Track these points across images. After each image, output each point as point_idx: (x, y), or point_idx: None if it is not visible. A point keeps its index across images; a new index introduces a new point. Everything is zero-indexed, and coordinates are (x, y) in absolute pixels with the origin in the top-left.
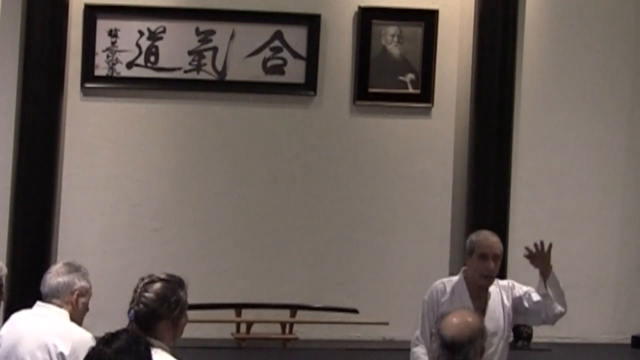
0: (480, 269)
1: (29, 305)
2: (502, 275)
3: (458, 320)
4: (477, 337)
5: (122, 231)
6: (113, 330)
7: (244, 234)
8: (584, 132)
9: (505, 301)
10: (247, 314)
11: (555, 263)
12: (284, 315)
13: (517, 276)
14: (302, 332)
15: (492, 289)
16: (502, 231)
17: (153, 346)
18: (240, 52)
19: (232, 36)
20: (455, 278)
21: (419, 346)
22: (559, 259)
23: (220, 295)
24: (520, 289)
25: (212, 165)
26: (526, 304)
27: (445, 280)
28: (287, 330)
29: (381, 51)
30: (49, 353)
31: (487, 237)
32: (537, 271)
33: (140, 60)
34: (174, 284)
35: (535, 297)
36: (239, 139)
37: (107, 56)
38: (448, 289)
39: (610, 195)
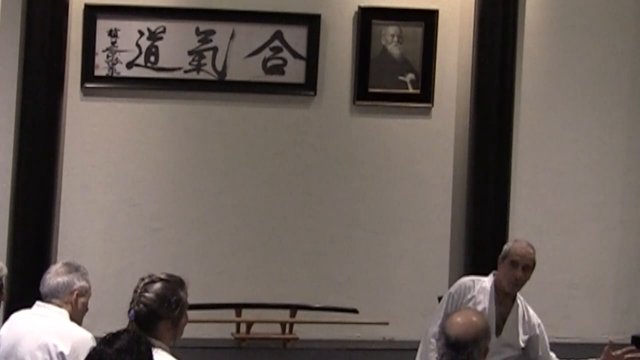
0: (509, 276)
1: (29, 305)
2: None
3: (463, 320)
4: (482, 337)
5: (122, 231)
6: (113, 330)
7: (244, 234)
8: (584, 132)
9: (526, 323)
10: (247, 314)
11: (556, 263)
12: (284, 315)
13: None
14: (302, 332)
15: (521, 307)
16: (502, 231)
17: (154, 346)
18: (240, 52)
19: (232, 36)
20: (485, 279)
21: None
22: (559, 259)
23: (220, 295)
24: (543, 333)
25: (212, 165)
26: (535, 347)
27: (474, 278)
28: (287, 330)
29: (381, 51)
30: (49, 353)
31: (523, 247)
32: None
33: (140, 60)
34: (174, 284)
35: (546, 349)
36: (239, 139)
37: (107, 56)
38: (476, 288)
39: (610, 195)
